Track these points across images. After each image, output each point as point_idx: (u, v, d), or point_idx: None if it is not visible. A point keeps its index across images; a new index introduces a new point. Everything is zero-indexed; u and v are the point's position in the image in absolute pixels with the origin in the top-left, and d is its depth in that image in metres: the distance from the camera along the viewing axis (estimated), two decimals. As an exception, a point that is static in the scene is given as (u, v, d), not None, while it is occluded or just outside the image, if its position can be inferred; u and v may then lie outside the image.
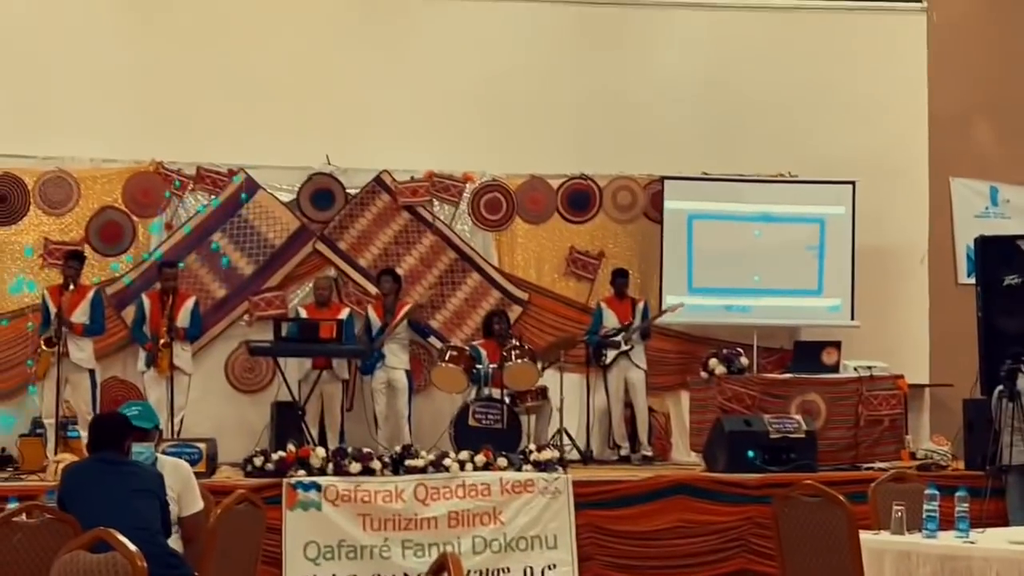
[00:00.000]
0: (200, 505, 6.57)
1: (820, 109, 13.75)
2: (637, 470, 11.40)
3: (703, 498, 10.20)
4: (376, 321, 12.25)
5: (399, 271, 12.87)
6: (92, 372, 11.39)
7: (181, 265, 12.30)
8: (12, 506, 6.39)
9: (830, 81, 13.84)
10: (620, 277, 12.79)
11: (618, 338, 12.41)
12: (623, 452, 12.55)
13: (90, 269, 12.22)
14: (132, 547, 5.01)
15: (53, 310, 11.12)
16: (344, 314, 12.14)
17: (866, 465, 11.09)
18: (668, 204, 13.38)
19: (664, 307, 12.77)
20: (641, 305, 12.70)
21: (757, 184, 13.57)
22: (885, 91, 13.88)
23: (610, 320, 12.59)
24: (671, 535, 10.07)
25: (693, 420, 12.08)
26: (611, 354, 12.42)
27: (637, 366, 12.48)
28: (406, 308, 12.26)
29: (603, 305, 12.76)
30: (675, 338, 13.34)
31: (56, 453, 10.72)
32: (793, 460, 10.58)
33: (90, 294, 11.43)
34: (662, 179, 13.44)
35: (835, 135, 13.63)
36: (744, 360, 11.87)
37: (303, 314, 12.19)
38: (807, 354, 11.94)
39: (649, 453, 12.42)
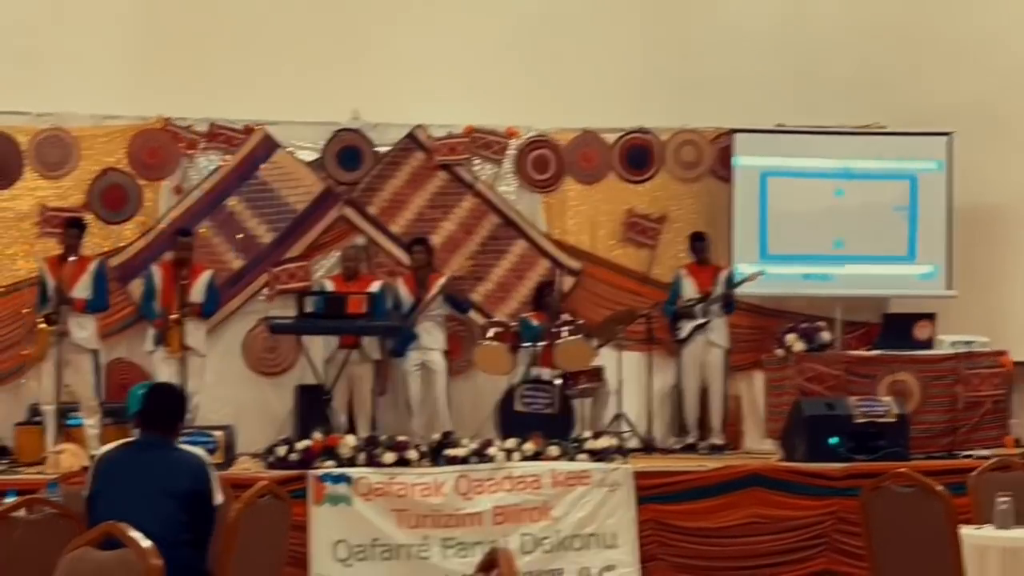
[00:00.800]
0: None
1: (911, 50, 13.63)
2: (706, 460, 11.40)
3: (780, 491, 10.20)
4: (407, 297, 12.26)
5: (435, 239, 12.91)
6: (95, 353, 11.44)
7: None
8: (10, 500, 6.45)
9: (923, 18, 13.70)
10: (697, 241, 12.79)
11: (695, 309, 12.40)
12: (689, 439, 12.56)
13: (92, 238, 12.30)
14: (145, 543, 5.05)
15: (52, 284, 11.17)
16: (375, 287, 12.16)
17: (965, 453, 11.06)
18: (738, 160, 13.34)
19: (740, 276, 12.72)
20: (724, 273, 12.66)
21: (839, 136, 13.51)
22: (987, 28, 13.71)
23: (689, 290, 12.58)
24: (744, 532, 10.09)
25: (768, 403, 12.07)
26: (687, 327, 12.42)
27: (715, 344, 12.47)
28: (440, 281, 12.27)
29: (682, 273, 12.75)
30: (747, 312, 13.29)
31: (56, 443, 10.82)
32: (882, 448, 10.54)
33: (92, 266, 11.45)
34: (731, 132, 13.41)
35: (928, 80, 13.52)
36: (826, 335, 11.85)
37: (329, 287, 12.22)
38: (897, 328, 11.90)
39: (720, 441, 12.42)
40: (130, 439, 6.78)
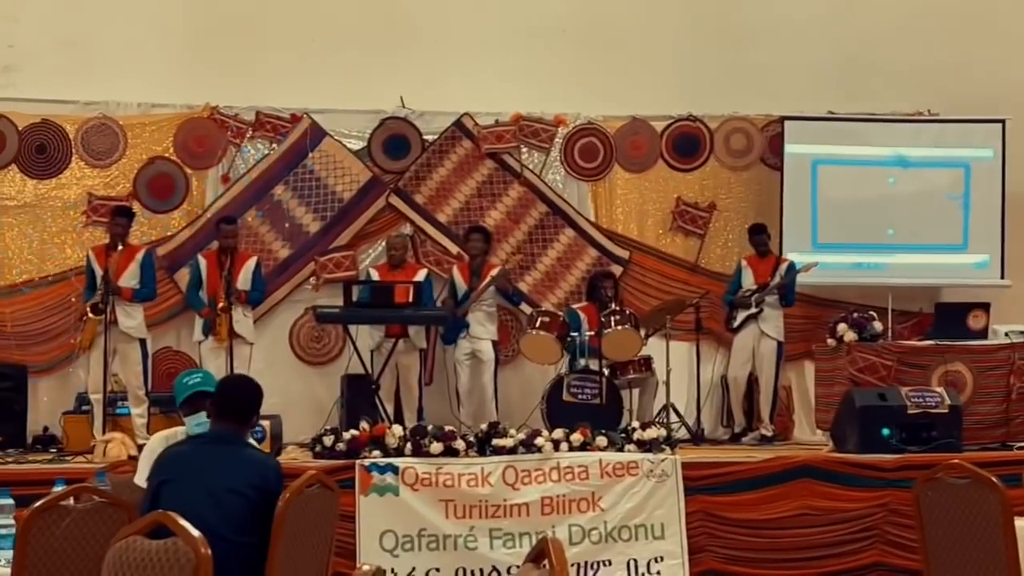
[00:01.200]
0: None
1: (964, 37, 13.53)
2: (755, 451, 11.36)
3: (831, 482, 10.15)
4: (461, 285, 12.29)
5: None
6: (143, 342, 11.50)
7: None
8: (58, 489, 6.48)
9: (975, 4, 13.62)
10: (755, 234, 12.75)
11: (751, 299, 12.37)
12: (737, 429, 12.53)
13: (139, 227, 12.38)
14: (195, 532, 5.07)
15: (99, 273, 11.23)
16: (421, 276, 12.19)
17: (1019, 444, 11.02)
18: (789, 148, 13.28)
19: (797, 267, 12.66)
20: (784, 265, 12.59)
21: (891, 124, 13.42)
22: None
23: (748, 280, 12.56)
24: (794, 524, 10.04)
25: (819, 394, 12.03)
26: (740, 316, 12.41)
27: (769, 336, 12.43)
28: (494, 271, 12.28)
29: (743, 263, 12.74)
30: (798, 301, 13.17)
31: (104, 432, 10.92)
32: (935, 439, 10.49)
33: (140, 255, 11.53)
34: (782, 119, 13.35)
35: (982, 66, 13.42)
36: (878, 325, 11.78)
37: (375, 276, 12.25)
38: (950, 318, 11.84)
39: (769, 432, 12.37)
40: (198, 433, 6.77)
